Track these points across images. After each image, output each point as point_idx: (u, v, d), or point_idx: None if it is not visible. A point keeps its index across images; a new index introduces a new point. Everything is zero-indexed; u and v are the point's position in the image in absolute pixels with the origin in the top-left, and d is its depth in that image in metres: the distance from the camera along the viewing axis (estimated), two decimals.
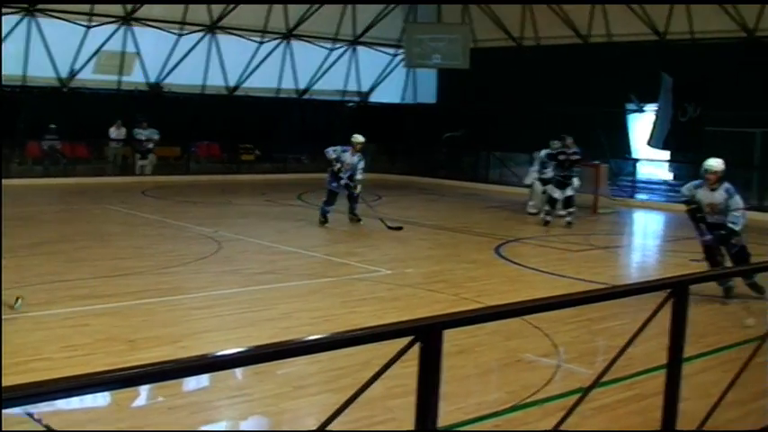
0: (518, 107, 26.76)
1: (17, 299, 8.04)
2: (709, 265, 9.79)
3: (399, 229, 15.20)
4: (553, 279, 11.19)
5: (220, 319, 8.47)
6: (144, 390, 6.05)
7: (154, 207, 18.48)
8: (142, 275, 10.55)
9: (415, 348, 3.21)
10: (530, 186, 18.84)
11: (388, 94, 32.37)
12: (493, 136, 26.70)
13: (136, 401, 6.00)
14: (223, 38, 27.53)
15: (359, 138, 15.60)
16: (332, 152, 15.63)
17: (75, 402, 5.43)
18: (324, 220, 15.56)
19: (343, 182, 15.54)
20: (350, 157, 15.51)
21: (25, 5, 23.57)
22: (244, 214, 17.51)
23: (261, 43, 28.28)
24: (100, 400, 5.83)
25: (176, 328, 8.04)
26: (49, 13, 23.96)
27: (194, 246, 13.01)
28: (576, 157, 16.70)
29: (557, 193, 16.66)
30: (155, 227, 15.20)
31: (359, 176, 15.63)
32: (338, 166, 15.48)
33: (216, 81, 28.02)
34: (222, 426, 6.05)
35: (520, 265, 12.33)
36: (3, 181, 19.46)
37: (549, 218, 16.69)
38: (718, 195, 9.70)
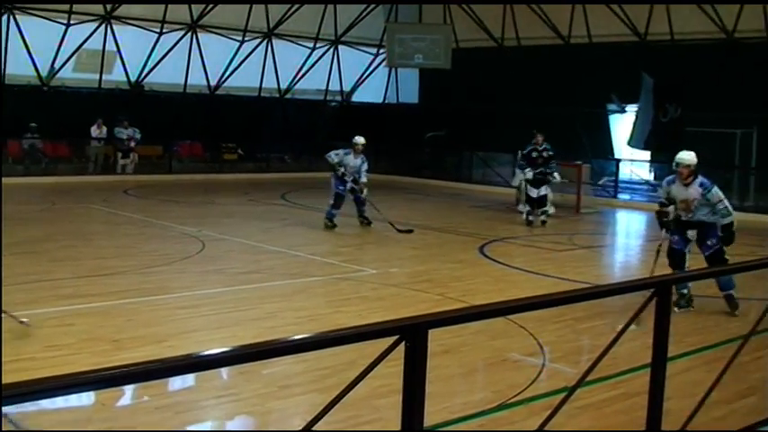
0: (500, 107, 26.87)
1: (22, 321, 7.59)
2: (672, 268, 9.27)
3: (410, 231, 14.98)
4: (537, 279, 11.22)
5: (205, 319, 8.44)
6: (129, 389, 6.03)
7: (136, 206, 18.40)
8: (126, 275, 10.50)
9: (401, 348, 3.22)
10: (518, 187, 18.90)
11: (371, 93, 32.40)
12: (476, 136, 26.80)
13: (121, 401, 5.98)
14: (204, 36, 27.44)
15: (359, 139, 15.29)
16: (334, 156, 15.27)
17: (59, 402, 5.40)
18: (331, 224, 15.20)
19: (348, 186, 15.23)
20: (352, 160, 15.19)
21: (3, 2, 23.41)
22: (227, 214, 17.45)
23: (242, 42, 28.21)
24: (84, 399, 5.80)
25: (161, 328, 8.00)
26: (28, 10, 23.82)
27: (178, 245, 12.97)
28: (549, 153, 16.75)
29: (533, 192, 16.74)
30: (138, 226, 15.13)
31: (363, 179, 15.28)
32: (342, 169, 15.15)
33: (197, 80, 27.90)
34: (209, 426, 6.03)
35: (504, 264, 12.36)
36: None
37: (531, 217, 16.75)
38: (693, 191, 9.17)
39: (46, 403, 5.30)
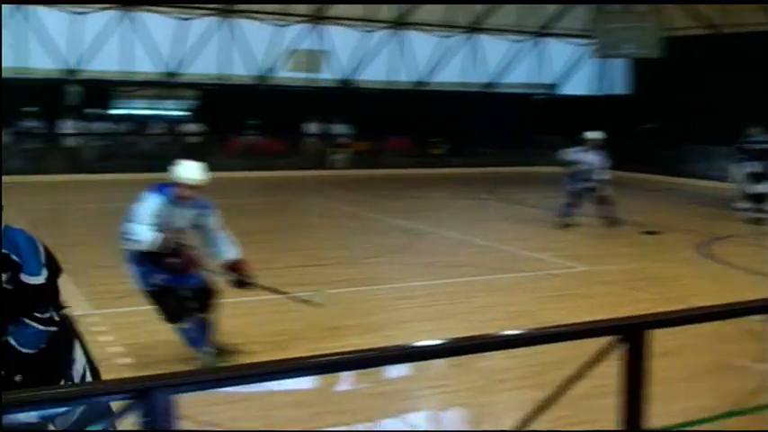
0: (719, 98, 25.32)
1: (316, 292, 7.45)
2: None
3: (657, 233, 14.14)
4: (765, 280, 10.49)
5: (418, 310, 8.60)
6: (348, 375, 6.22)
7: (349, 200, 19.01)
8: (343, 265, 10.89)
9: (616, 347, 3.12)
10: (737, 183, 17.78)
11: (578, 85, 31.61)
12: (693, 128, 25.43)
13: (340, 386, 6.17)
14: (410, 33, 27.98)
15: (592, 134, 14.72)
16: (569, 153, 14.80)
17: (280, 385, 5.65)
18: (567, 223, 14.55)
19: (585, 184, 14.55)
20: (588, 156, 14.60)
21: (221, 7, 25.13)
22: (436, 208, 17.66)
23: (447, 38, 28.48)
24: (305, 382, 6.04)
25: (377, 317, 8.23)
26: (246, 13, 25.37)
27: (389, 238, 13.29)
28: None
29: (755, 188, 15.67)
30: (351, 219, 15.65)
31: (600, 176, 14.56)
32: (578, 167, 14.57)
33: (404, 76, 28.50)
34: (423, 415, 6.13)
35: (727, 264, 11.66)
36: (210, 174, 20.62)
37: (754, 215, 15.70)
38: None
39: (273, 385, 5.57)
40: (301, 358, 2.73)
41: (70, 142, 24.23)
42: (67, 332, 4.01)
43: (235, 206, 16.73)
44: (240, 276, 6.89)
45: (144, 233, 6.37)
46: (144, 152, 23.93)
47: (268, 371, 2.68)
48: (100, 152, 24.39)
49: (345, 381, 6.21)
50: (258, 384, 5.30)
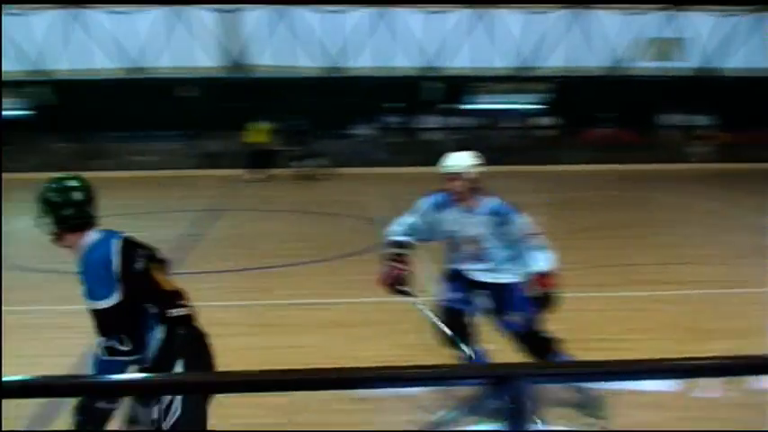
0: None
1: None
2: None
3: None
4: None
5: None
6: (710, 381, 5.77)
7: (710, 195, 17.93)
8: (704, 265, 10.21)
9: None
10: None
11: None
12: None
13: (702, 392, 5.75)
14: None
15: None
16: None
17: (637, 385, 5.37)
18: None
19: None
20: None
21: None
22: None
23: None
24: (663, 385, 5.70)
25: (744, 322, 7.56)
26: (600, 4, 25.06)
27: (757, 238, 12.23)
28: None
29: None
30: (712, 216, 14.75)
31: None
32: None
33: None
34: None
35: None
36: (548, 167, 20.68)
37: None
38: None
39: (631, 384, 5.27)
40: (656, 360, 2.54)
41: (428, 136, 25.55)
42: (169, 351, 3.56)
43: (587, 199, 16.57)
44: (543, 293, 5.30)
45: (391, 231, 5.72)
46: (497, 145, 24.51)
47: (625, 370, 2.54)
48: (456, 146, 25.43)
49: (708, 387, 5.76)
50: (615, 383, 5.11)
